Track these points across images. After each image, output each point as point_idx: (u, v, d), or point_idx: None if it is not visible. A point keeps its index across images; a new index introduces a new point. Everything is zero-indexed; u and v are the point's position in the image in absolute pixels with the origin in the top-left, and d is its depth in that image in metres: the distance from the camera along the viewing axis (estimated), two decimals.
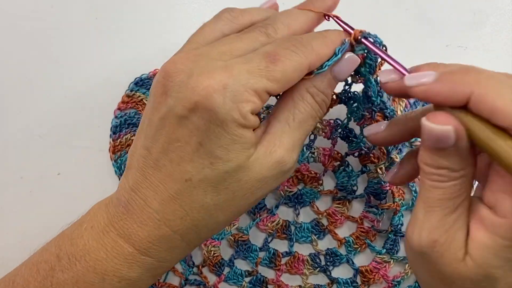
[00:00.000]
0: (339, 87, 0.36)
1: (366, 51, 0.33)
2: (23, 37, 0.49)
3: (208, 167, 0.28)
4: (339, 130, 0.42)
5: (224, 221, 0.31)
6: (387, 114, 0.38)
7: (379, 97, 0.36)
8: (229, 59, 0.29)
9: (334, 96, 0.38)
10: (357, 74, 0.35)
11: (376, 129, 0.35)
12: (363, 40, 0.32)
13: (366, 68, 0.34)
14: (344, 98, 0.38)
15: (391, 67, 0.31)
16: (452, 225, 0.27)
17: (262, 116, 0.42)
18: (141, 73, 0.47)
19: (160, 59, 0.47)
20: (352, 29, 0.33)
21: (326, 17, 0.35)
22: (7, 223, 0.46)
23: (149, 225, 0.30)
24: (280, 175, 0.30)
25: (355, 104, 0.38)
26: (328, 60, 0.31)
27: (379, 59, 0.34)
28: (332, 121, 0.42)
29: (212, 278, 0.44)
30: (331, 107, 0.38)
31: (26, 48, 0.49)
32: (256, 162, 0.29)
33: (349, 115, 0.39)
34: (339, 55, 0.31)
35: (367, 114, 0.38)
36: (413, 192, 0.43)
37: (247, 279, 0.44)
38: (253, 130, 0.30)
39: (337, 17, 0.34)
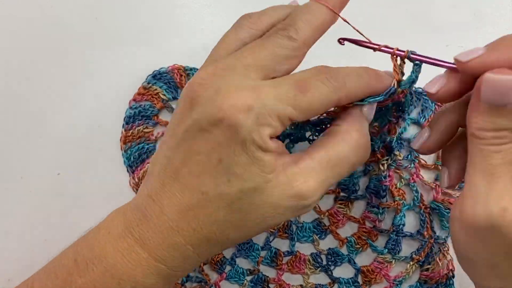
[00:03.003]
0: None
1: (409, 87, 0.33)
2: (22, 36, 0.49)
3: (225, 184, 0.29)
4: None
5: (234, 240, 0.31)
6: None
7: (411, 106, 0.36)
8: (255, 74, 0.29)
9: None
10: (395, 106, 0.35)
11: (423, 138, 0.34)
12: (412, 56, 0.32)
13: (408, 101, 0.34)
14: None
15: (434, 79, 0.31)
16: None
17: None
18: (143, 75, 0.47)
19: (159, 59, 0.48)
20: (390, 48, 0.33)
21: (342, 41, 0.34)
22: (7, 223, 0.46)
23: (164, 232, 0.30)
24: (296, 209, 0.29)
25: (382, 112, 0.37)
26: (372, 97, 0.31)
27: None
28: None
29: (213, 276, 0.44)
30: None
31: (26, 47, 0.49)
32: (275, 189, 0.29)
33: (373, 121, 0.37)
34: (383, 97, 0.31)
35: (393, 119, 0.37)
36: (413, 192, 0.43)
37: (249, 278, 0.44)
38: (277, 156, 0.29)
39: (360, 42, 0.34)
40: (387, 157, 0.41)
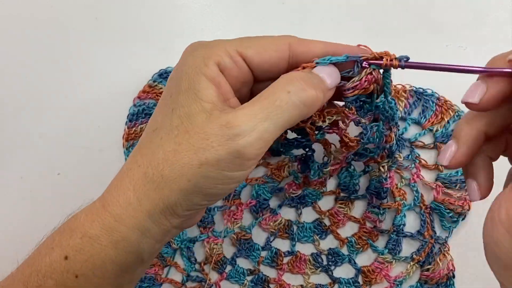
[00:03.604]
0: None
1: (382, 71, 0.33)
2: (22, 37, 0.49)
3: (169, 114, 0.30)
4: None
5: (168, 178, 0.29)
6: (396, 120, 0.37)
7: (397, 112, 0.35)
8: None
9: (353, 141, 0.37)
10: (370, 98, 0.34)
11: (451, 152, 0.30)
12: (406, 64, 0.31)
13: (387, 86, 0.33)
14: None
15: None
16: None
17: None
18: (143, 75, 0.47)
19: (159, 59, 0.48)
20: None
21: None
22: (7, 223, 0.46)
23: (115, 178, 0.31)
24: (227, 138, 0.28)
25: (376, 128, 0.36)
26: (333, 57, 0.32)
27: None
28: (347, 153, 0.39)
29: (214, 276, 0.44)
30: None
31: (26, 47, 0.49)
32: (206, 120, 0.29)
33: (368, 141, 0.37)
34: (345, 59, 0.31)
35: (386, 131, 0.37)
36: (414, 192, 0.43)
37: (249, 278, 0.44)
38: (222, 98, 0.30)
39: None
40: (387, 160, 0.41)
